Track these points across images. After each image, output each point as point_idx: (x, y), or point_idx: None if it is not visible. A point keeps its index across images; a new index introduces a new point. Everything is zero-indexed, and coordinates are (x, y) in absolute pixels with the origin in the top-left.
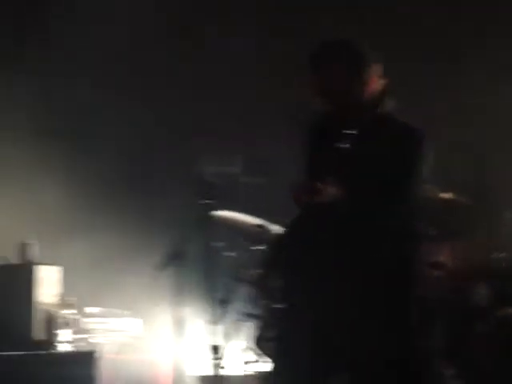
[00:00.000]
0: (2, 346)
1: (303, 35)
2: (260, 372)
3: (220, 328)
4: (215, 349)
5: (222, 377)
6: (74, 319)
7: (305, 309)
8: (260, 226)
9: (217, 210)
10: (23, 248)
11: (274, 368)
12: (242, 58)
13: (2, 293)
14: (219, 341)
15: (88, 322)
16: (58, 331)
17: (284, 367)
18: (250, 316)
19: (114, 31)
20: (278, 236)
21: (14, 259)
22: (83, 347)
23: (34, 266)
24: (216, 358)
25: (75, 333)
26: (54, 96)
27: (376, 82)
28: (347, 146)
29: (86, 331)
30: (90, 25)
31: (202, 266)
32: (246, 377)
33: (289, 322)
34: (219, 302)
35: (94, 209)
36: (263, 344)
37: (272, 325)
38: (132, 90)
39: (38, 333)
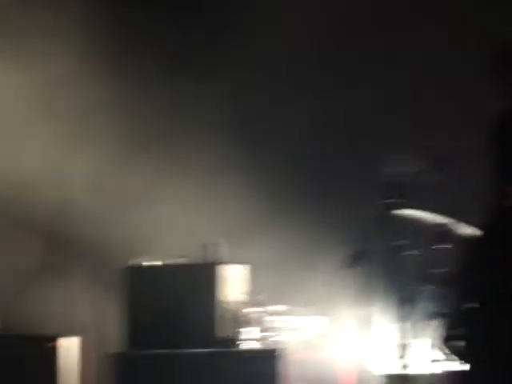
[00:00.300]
0: (186, 343)
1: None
2: (447, 371)
3: (406, 326)
4: (401, 347)
5: (407, 376)
6: (259, 317)
7: (499, 308)
8: (443, 225)
9: (400, 208)
10: (208, 247)
11: (470, 368)
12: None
13: (188, 291)
14: (405, 339)
15: (273, 320)
16: (243, 329)
17: (479, 367)
18: (436, 314)
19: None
20: (471, 235)
21: (199, 258)
22: (268, 345)
23: (219, 265)
24: (402, 357)
25: (260, 331)
26: (236, 94)
27: None
28: None
29: (271, 329)
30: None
31: (386, 264)
32: (433, 376)
33: (483, 321)
34: (404, 300)
35: (279, 207)
36: (451, 343)
37: (460, 323)
38: (309, 89)
39: (223, 331)
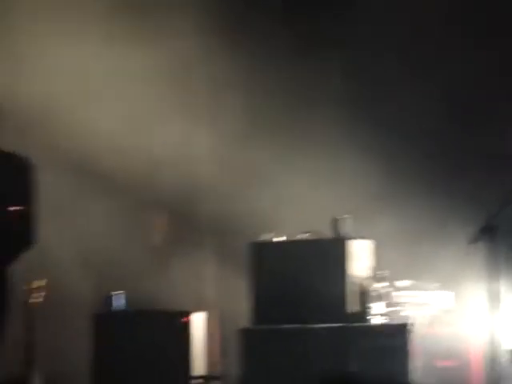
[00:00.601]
0: (315, 318)
1: None
2: None
3: None
4: None
5: None
6: (386, 292)
7: None
8: None
9: None
10: (336, 222)
11: None
12: None
13: (317, 266)
14: None
15: (399, 295)
16: (371, 304)
17: None
18: None
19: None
20: None
21: (327, 233)
22: (395, 320)
23: (347, 240)
24: None
25: (387, 306)
26: (360, 72)
27: None
28: None
29: (398, 304)
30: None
31: None
32: None
33: None
34: None
35: (405, 183)
36: None
37: None
38: (435, 63)
39: (352, 305)
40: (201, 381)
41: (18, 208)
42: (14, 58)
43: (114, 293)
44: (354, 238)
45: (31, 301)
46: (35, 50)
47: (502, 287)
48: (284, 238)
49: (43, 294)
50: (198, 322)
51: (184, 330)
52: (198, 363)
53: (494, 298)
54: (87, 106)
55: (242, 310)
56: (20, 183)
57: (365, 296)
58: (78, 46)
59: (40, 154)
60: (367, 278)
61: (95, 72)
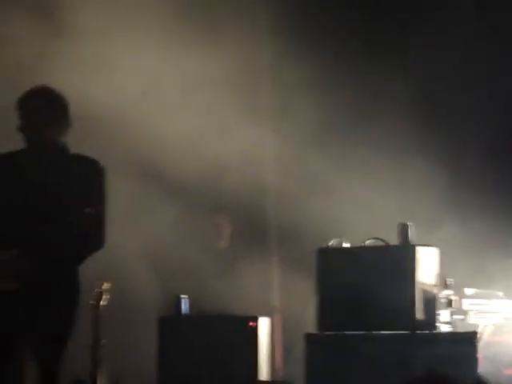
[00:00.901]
0: (382, 325)
1: None
2: None
3: None
4: None
5: None
6: (453, 300)
7: None
8: None
9: None
10: (403, 229)
11: None
12: None
13: (384, 272)
14: None
15: (465, 304)
16: (439, 312)
17: None
18: None
19: None
20: None
21: (392, 240)
22: (461, 328)
23: (416, 247)
24: None
25: (454, 314)
26: (427, 79)
27: None
28: None
29: (464, 312)
30: None
31: None
32: None
33: None
34: None
35: (471, 191)
36: None
37: None
38: (500, 71)
39: (419, 312)
40: None
41: (89, 210)
42: (84, 64)
43: (182, 296)
44: (419, 245)
45: (98, 302)
46: (104, 56)
47: None
48: (351, 244)
49: (110, 296)
50: (264, 327)
51: (252, 335)
52: (263, 368)
53: None
54: (155, 111)
55: (308, 315)
56: (91, 186)
57: (432, 303)
58: (147, 51)
59: (110, 157)
60: (434, 285)
61: (163, 77)
